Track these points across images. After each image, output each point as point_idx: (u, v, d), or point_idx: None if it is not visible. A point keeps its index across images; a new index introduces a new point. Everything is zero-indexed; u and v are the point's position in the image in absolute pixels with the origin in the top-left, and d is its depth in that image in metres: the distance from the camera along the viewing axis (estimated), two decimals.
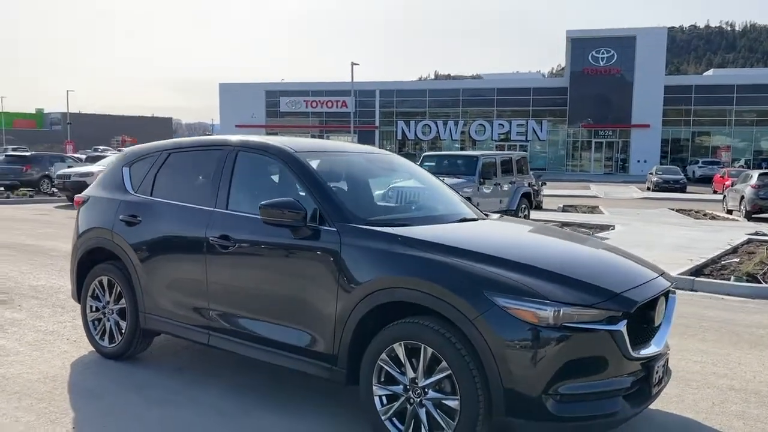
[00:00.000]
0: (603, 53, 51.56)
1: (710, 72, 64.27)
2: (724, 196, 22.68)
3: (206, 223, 4.29)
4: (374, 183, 4.71)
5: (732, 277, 8.98)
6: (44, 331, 5.66)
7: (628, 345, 3.23)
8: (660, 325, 3.67)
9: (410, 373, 3.40)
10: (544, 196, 24.02)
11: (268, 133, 56.60)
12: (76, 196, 5.43)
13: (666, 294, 3.85)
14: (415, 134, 56.09)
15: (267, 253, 4.02)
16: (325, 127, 57.87)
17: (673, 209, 22.29)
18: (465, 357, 3.19)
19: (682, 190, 33.94)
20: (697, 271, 9.50)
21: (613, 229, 15.12)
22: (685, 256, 10.64)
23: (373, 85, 57.22)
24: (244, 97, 58.24)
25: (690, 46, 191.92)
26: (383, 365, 3.49)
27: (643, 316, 3.49)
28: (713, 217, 19.52)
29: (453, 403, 3.26)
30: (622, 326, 3.19)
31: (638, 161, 50.94)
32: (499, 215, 5.09)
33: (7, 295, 7.02)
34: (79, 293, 5.20)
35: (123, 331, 4.84)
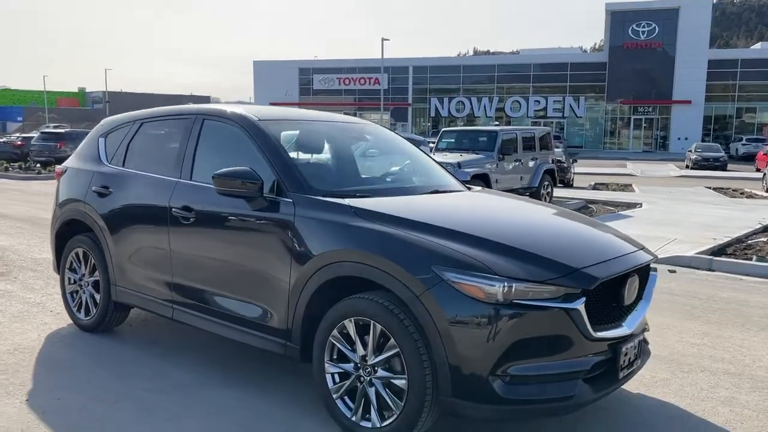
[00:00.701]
0: (644, 26, 49.83)
1: (758, 45, 61.63)
2: (764, 174, 21.77)
3: (170, 194, 4.18)
4: (346, 153, 4.50)
5: (754, 257, 8.55)
6: (31, 303, 5.68)
7: (588, 324, 3.01)
8: (633, 304, 3.42)
9: (360, 351, 3.25)
10: (575, 173, 23.49)
11: None
12: (57, 168, 5.39)
13: (644, 272, 3.60)
14: (449, 111, 55.36)
15: (225, 224, 3.88)
16: (358, 104, 57.52)
17: (709, 188, 21.47)
18: (413, 334, 3.02)
19: (722, 168, 32.75)
20: (719, 251, 9.09)
21: (640, 207, 14.64)
22: (709, 235, 10.19)
23: (406, 62, 56.54)
24: (277, 75, 58.28)
25: (741, 19, 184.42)
26: (335, 342, 3.34)
27: (611, 294, 3.25)
28: (750, 196, 18.72)
29: (401, 382, 3.09)
30: (579, 304, 2.96)
31: (679, 139, 49.36)
32: (481, 188, 4.86)
33: (7, 267, 7.09)
34: (59, 265, 5.18)
35: (98, 303, 4.80)
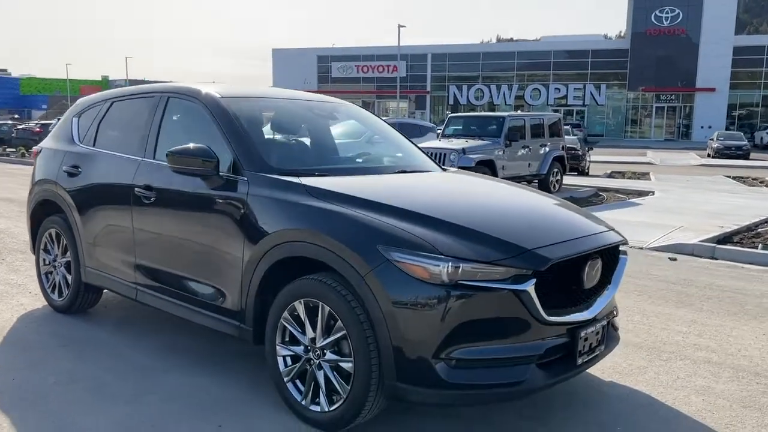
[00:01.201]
0: (667, 12, 48.80)
1: None
2: None
3: (134, 173, 4.11)
4: (313, 132, 4.37)
5: (760, 245, 8.30)
6: (12, 284, 5.68)
7: (539, 307, 2.87)
8: (597, 288, 3.28)
9: (310, 333, 3.15)
10: (592, 162, 23.16)
11: None
12: (34, 148, 5.35)
13: (612, 255, 3.45)
14: (468, 99, 54.86)
15: (183, 204, 3.80)
16: (376, 92, 57.28)
17: (728, 176, 20.97)
18: (360, 316, 2.91)
19: (745, 157, 32.01)
20: (725, 239, 8.85)
21: (652, 195, 14.36)
22: (717, 224, 9.93)
23: (424, 49, 56.10)
24: (296, 63, 58.19)
25: None
26: (286, 324, 3.25)
27: (571, 277, 3.11)
28: None
29: (348, 365, 2.99)
30: (528, 286, 2.83)
31: (702, 127, 48.38)
32: (457, 169, 4.72)
33: None
34: (34, 246, 5.15)
35: (69, 285, 4.77)
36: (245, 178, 3.49)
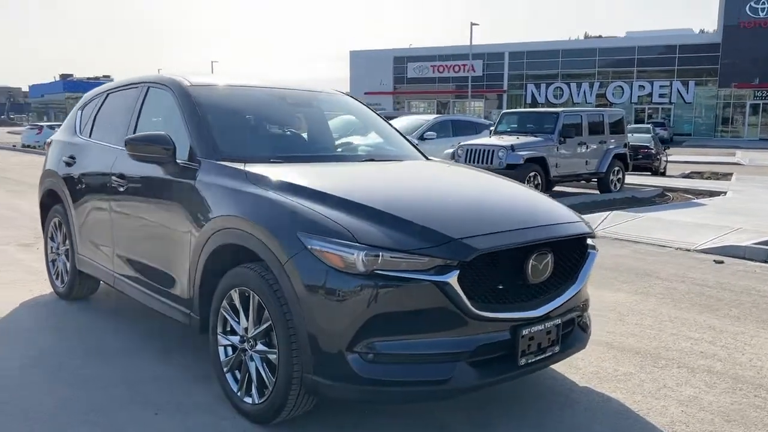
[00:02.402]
0: (763, 3, 45.66)
1: None
2: None
3: (113, 162, 4.18)
4: (283, 120, 4.28)
5: None
6: (32, 272, 5.93)
7: (466, 301, 2.67)
8: (551, 283, 3.03)
9: (243, 323, 3.09)
10: (671, 161, 22.07)
11: (395, 101, 56.71)
12: (47, 140, 5.57)
13: (576, 250, 3.20)
14: (546, 98, 53.45)
15: (146, 191, 3.83)
16: (452, 92, 56.75)
17: None
18: (283, 306, 2.81)
19: None
20: None
21: (723, 195, 13.45)
22: None
23: (502, 47, 55.10)
24: (373, 64, 58.55)
25: None
26: (224, 313, 3.20)
27: (515, 270, 2.89)
28: None
29: (274, 357, 2.90)
30: (450, 278, 2.64)
31: None
32: (441, 160, 4.53)
33: (37, 238, 7.46)
34: (45, 234, 5.36)
35: (68, 271, 4.92)
36: (196, 165, 3.47)
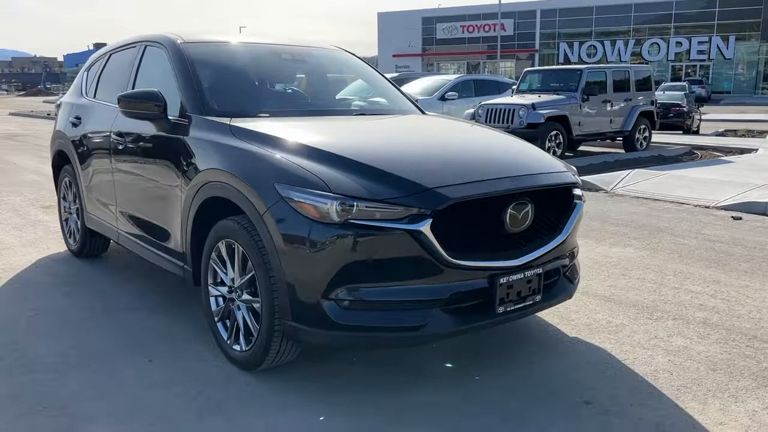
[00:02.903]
0: None
1: None
2: None
3: (113, 121, 4.26)
4: (275, 76, 4.28)
5: None
6: (50, 231, 6.12)
7: (440, 249, 2.70)
8: (532, 232, 3.03)
9: (231, 274, 3.17)
10: (705, 120, 21.47)
11: (425, 63, 56.02)
12: (57, 102, 5.69)
13: (561, 200, 3.19)
14: (579, 57, 52.12)
15: (142, 148, 3.90)
16: (482, 52, 55.74)
17: None
18: (264, 256, 2.87)
19: None
20: None
21: (754, 152, 13.08)
22: None
23: (533, 5, 53.69)
24: (401, 26, 57.74)
25: None
26: (214, 265, 3.28)
27: (493, 219, 2.89)
28: None
29: (257, 305, 2.98)
30: (422, 226, 2.66)
31: None
32: (436, 114, 4.50)
33: None
34: (58, 195, 5.51)
35: (79, 230, 5.07)
36: (186, 121, 3.52)
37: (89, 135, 4.65)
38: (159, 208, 3.72)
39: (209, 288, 3.34)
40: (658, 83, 33.57)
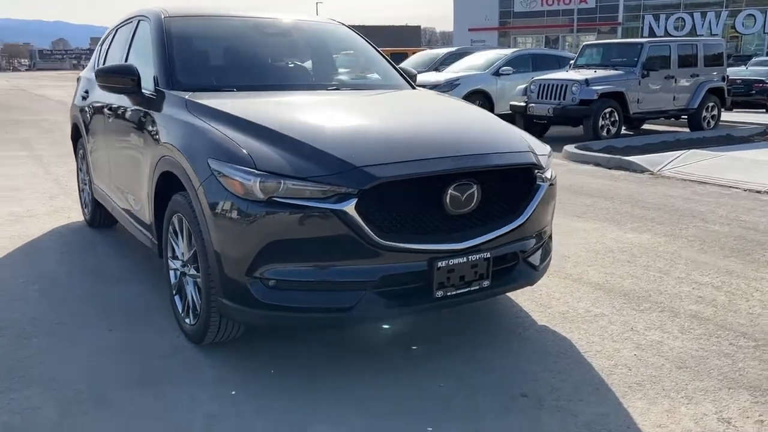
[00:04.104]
0: None
1: None
2: None
3: (108, 95, 4.35)
4: (256, 50, 4.21)
5: None
6: (78, 200, 6.38)
7: (368, 230, 2.61)
8: (477, 214, 2.88)
9: (182, 248, 3.19)
10: None
11: (500, 37, 54.67)
12: (78, 77, 5.88)
13: (526, 180, 3.03)
14: (666, 30, 49.35)
15: (124, 122, 3.97)
16: (562, 25, 53.71)
17: None
18: (200, 232, 2.88)
19: None
20: None
21: None
22: None
23: None
24: None
25: None
26: (171, 239, 3.32)
27: (435, 199, 2.77)
28: None
29: (200, 280, 2.99)
30: (346, 206, 2.58)
31: None
32: (425, 90, 4.35)
33: None
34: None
35: (90, 201, 5.27)
36: (156, 95, 3.55)
37: (92, 109, 4.79)
38: (135, 182, 3.79)
39: (169, 261, 3.38)
40: (748, 57, 31.42)
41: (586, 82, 11.20)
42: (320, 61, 4.37)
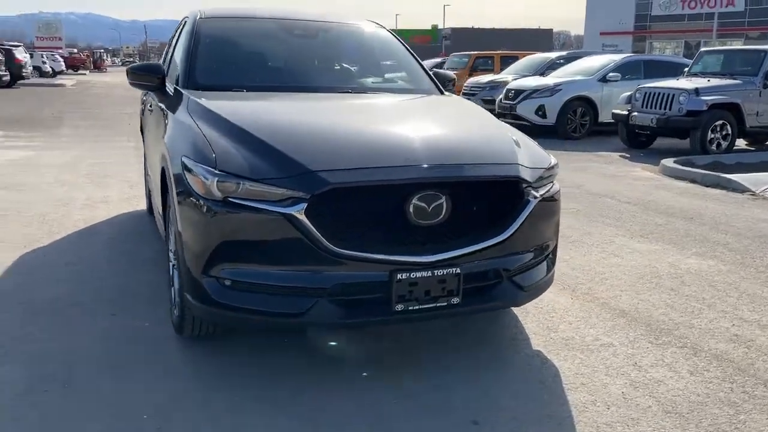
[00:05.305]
0: None
1: None
2: None
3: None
4: (280, 50, 4.24)
5: None
6: None
7: (318, 235, 2.56)
8: (450, 227, 2.74)
9: (172, 242, 3.30)
10: None
11: (635, 42, 51.99)
12: None
13: (513, 195, 2.86)
14: None
15: (152, 116, 4.22)
16: (704, 30, 50.04)
17: None
18: (174, 228, 2.97)
19: None
20: None
21: None
22: None
23: None
24: (612, 2, 53.88)
25: None
26: (168, 231, 3.44)
27: (395, 209, 2.67)
28: None
29: (176, 272, 3.08)
30: (296, 210, 2.54)
31: None
32: (451, 95, 4.17)
33: None
34: None
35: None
36: (175, 94, 3.70)
37: (145, 102, 5.08)
38: (155, 174, 3.97)
39: (169, 254, 3.50)
40: None
41: (696, 91, 10.35)
42: (342, 64, 4.34)
